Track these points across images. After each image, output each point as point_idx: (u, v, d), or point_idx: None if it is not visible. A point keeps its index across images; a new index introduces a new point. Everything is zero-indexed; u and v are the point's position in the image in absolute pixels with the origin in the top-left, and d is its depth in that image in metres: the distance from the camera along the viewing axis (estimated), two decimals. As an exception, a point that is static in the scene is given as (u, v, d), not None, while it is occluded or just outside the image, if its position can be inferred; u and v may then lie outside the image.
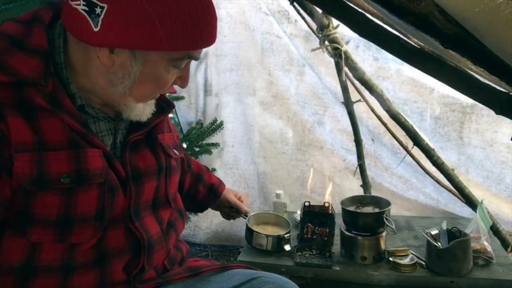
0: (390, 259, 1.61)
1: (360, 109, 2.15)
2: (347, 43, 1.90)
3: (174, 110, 1.19)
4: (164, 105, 1.01)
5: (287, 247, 1.68)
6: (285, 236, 1.69)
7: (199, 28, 0.79)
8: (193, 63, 2.96)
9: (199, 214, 2.32)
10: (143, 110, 0.90)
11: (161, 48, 0.78)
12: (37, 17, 0.84)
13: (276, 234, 1.69)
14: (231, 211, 1.41)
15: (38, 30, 0.82)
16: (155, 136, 0.98)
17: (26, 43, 0.80)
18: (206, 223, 2.54)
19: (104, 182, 0.83)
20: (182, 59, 0.84)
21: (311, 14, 1.81)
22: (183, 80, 0.90)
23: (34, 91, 0.78)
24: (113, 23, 0.75)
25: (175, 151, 1.04)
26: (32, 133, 0.77)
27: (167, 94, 1.09)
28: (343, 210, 1.67)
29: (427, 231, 1.62)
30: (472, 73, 1.02)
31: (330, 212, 1.66)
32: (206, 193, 1.32)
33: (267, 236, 1.68)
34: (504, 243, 1.91)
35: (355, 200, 1.77)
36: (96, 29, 0.76)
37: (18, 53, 0.79)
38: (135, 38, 0.76)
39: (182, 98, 2.30)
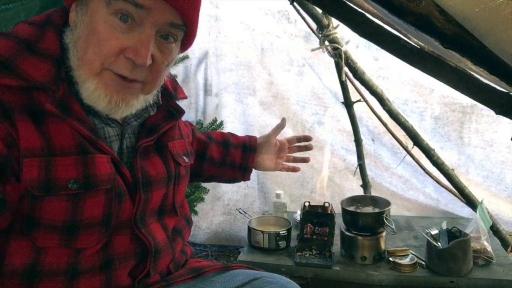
0: (390, 259, 1.61)
1: (360, 109, 2.15)
2: (347, 43, 1.90)
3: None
4: (174, 112, 0.99)
5: (282, 244, 1.69)
6: (281, 233, 1.69)
7: None
8: (193, 63, 2.93)
9: (199, 214, 2.31)
10: (100, 96, 0.79)
11: None
12: (50, 20, 0.83)
13: (271, 231, 1.70)
14: (278, 155, 1.28)
15: (51, 34, 0.81)
16: (165, 144, 0.96)
17: (38, 47, 0.79)
18: (206, 223, 2.54)
19: (111, 188, 0.82)
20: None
21: (311, 14, 1.81)
22: (135, 52, 0.77)
23: (44, 96, 0.77)
24: None
25: (185, 158, 1.03)
26: (40, 138, 0.76)
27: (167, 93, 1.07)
28: (343, 210, 1.67)
29: (427, 231, 1.62)
30: (472, 73, 1.02)
31: (330, 212, 1.66)
32: (241, 153, 1.24)
33: (263, 232, 1.69)
34: (504, 243, 1.91)
35: (355, 200, 1.77)
36: None
37: (30, 57, 0.77)
38: None
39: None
